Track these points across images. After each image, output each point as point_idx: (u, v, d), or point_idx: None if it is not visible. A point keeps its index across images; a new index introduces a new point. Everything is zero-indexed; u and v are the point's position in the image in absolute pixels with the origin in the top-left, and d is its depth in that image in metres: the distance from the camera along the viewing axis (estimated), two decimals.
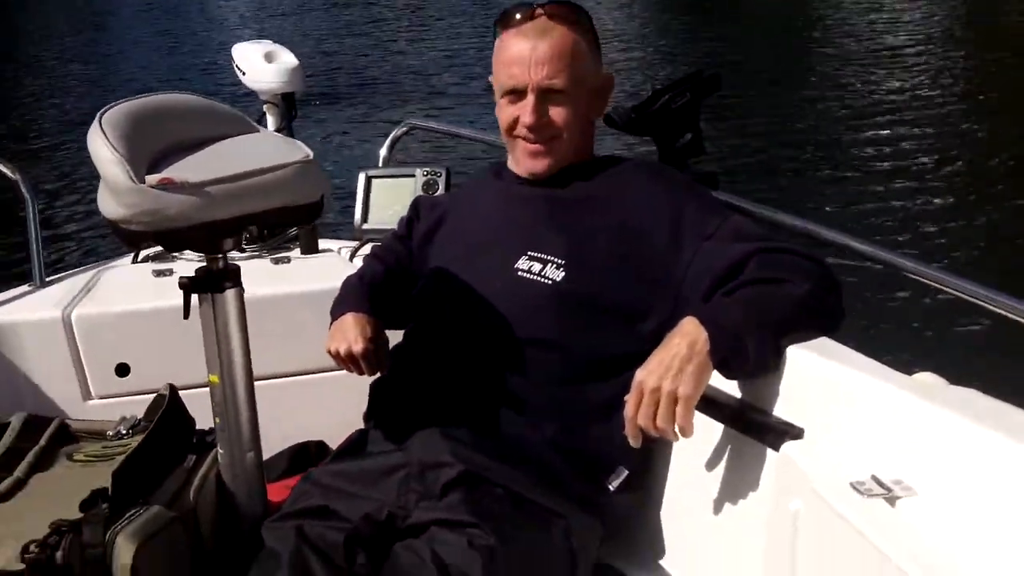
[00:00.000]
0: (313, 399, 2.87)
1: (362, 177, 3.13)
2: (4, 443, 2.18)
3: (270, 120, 3.57)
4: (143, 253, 3.18)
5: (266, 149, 1.90)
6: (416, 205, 2.58)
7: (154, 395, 2.62)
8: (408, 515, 1.92)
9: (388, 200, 3.07)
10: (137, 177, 1.66)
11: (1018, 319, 1.62)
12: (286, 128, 3.52)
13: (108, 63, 15.60)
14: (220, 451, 2.03)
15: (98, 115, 1.75)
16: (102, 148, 1.68)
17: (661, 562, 2.13)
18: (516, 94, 2.18)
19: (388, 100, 11.92)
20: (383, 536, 1.91)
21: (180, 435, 2.16)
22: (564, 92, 2.15)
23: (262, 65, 3.44)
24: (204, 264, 1.91)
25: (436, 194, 3.01)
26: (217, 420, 2.01)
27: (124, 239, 1.74)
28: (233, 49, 3.61)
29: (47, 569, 1.70)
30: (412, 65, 13.60)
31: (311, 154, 1.86)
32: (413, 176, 3.08)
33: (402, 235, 2.54)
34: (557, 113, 2.16)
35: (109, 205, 1.70)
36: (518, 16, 2.18)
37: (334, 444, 2.76)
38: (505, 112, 2.22)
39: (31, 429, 2.24)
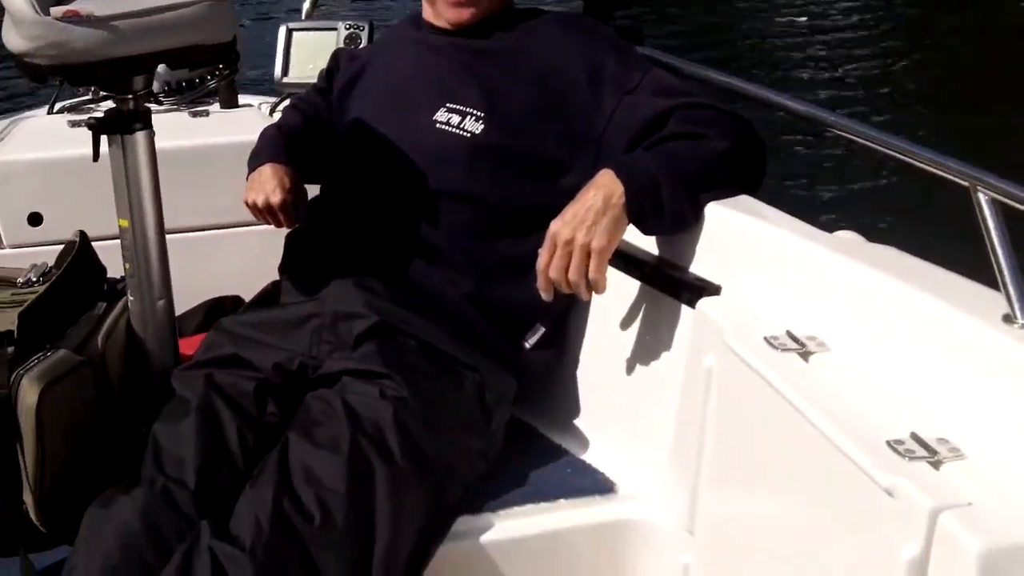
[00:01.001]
0: (230, 253, 2.83)
1: (283, 30, 3.04)
2: None
3: None
4: (59, 104, 3.09)
5: None
6: (336, 56, 2.53)
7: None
8: (319, 365, 1.91)
9: (309, 54, 2.99)
10: (42, 8, 1.59)
11: (940, 173, 1.62)
12: None
13: None
14: (130, 298, 1.98)
15: None
16: None
17: (576, 421, 2.14)
18: None
19: None
20: (294, 386, 1.90)
21: (90, 282, 2.10)
22: None
23: None
24: (114, 107, 1.85)
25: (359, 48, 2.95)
26: (127, 266, 1.96)
27: (28, 73, 1.67)
28: None
29: None
30: None
31: None
32: (335, 30, 2.99)
33: (322, 87, 2.49)
34: None
35: (13, 38, 1.63)
36: None
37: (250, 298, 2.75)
38: None
39: None
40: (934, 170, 1.61)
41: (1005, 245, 1.44)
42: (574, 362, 2.16)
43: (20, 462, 1.73)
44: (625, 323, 2.02)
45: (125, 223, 1.92)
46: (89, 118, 1.86)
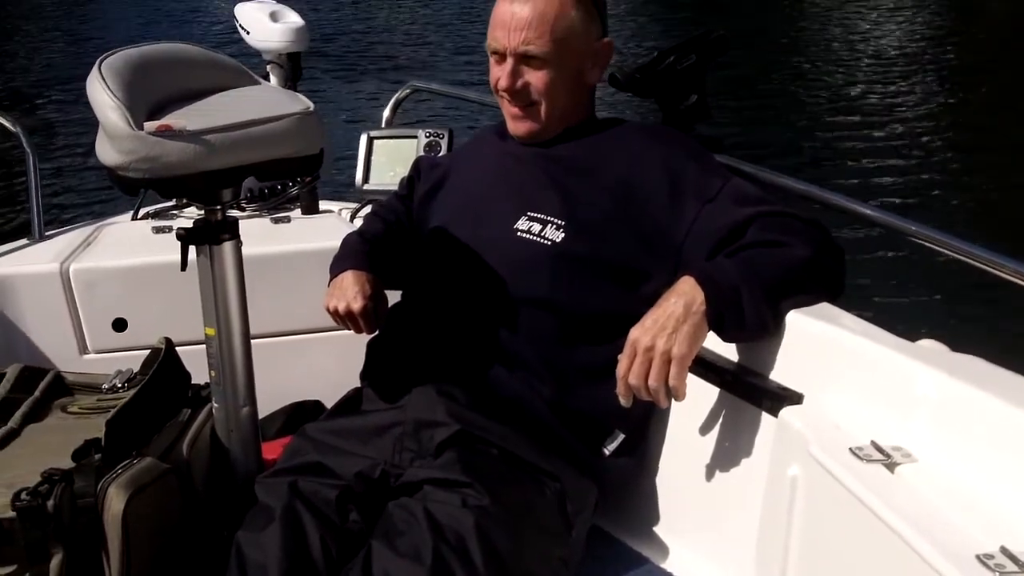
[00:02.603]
0: (310, 358, 2.86)
1: (364, 138, 3.11)
2: None
3: (274, 80, 3.54)
4: (143, 210, 3.17)
5: (266, 100, 1.89)
6: (417, 165, 2.58)
7: (150, 350, 2.63)
8: (402, 473, 1.91)
9: (390, 161, 3.06)
10: (135, 123, 1.65)
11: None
12: (292, 87, 3.50)
13: (107, 20, 15.43)
14: (215, 405, 2.02)
15: (98, 61, 1.74)
16: (100, 93, 1.66)
17: (656, 528, 2.12)
18: (499, 55, 2.18)
19: (391, 62, 11.86)
20: (376, 494, 1.91)
21: (175, 388, 2.15)
22: (542, 58, 2.13)
23: (267, 24, 3.41)
24: (202, 215, 1.90)
25: (439, 156, 3.00)
26: (212, 374, 2.00)
27: (121, 186, 1.72)
28: (236, 8, 3.58)
29: (38, 517, 1.69)
30: (416, 28, 13.50)
31: (311, 106, 1.85)
32: (415, 137, 3.06)
33: (403, 194, 2.53)
34: (535, 78, 2.15)
35: (107, 151, 1.68)
36: None
37: (331, 403, 2.75)
38: (492, 72, 2.22)
39: (26, 380, 2.24)
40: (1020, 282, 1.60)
41: None
42: (654, 468, 2.15)
43: (105, 569, 1.75)
44: (704, 429, 2.00)
45: (212, 331, 1.96)
46: (178, 229, 1.90)
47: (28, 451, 1.96)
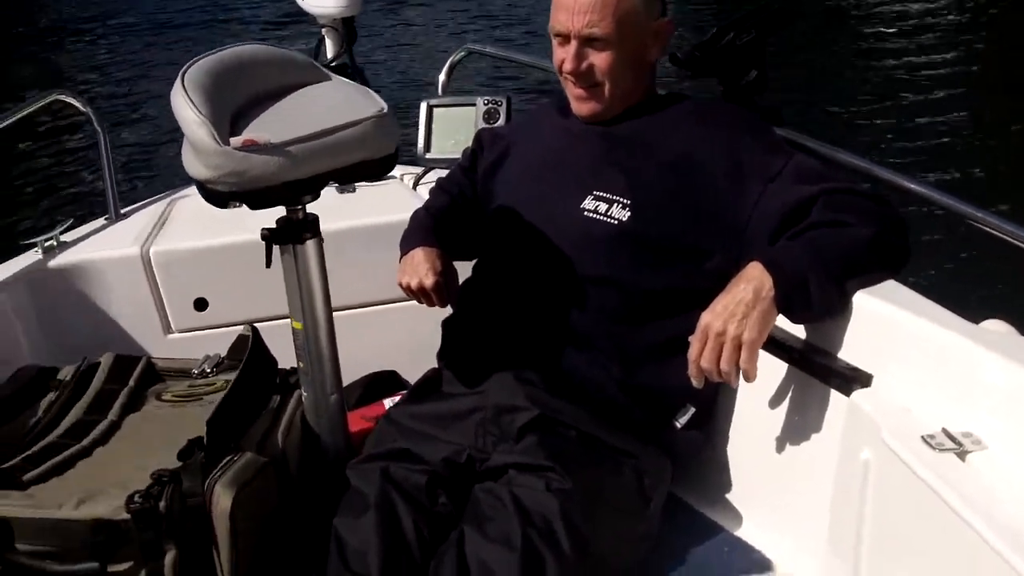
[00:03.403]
0: (383, 330, 2.94)
1: (424, 106, 3.16)
2: (95, 385, 2.27)
3: (329, 45, 3.58)
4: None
5: (341, 101, 1.94)
6: (479, 138, 2.62)
7: (232, 327, 2.73)
8: (487, 458, 2.00)
9: (450, 129, 3.11)
10: (222, 139, 1.70)
11: None
12: (346, 52, 3.55)
13: None
14: (304, 394, 2.11)
15: (180, 75, 1.79)
16: (186, 110, 1.72)
17: (729, 497, 2.20)
18: (562, 37, 2.21)
19: (446, 23, 11.74)
20: (463, 477, 1.99)
21: (264, 376, 2.23)
22: (606, 40, 2.16)
23: None
24: (284, 215, 1.97)
25: (498, 123, 3.04)
26: (301, 364, 2.08)
27: (209, 198, 1.79)
28: None
29: (151, 518, 1.79)
30: None
31: (385, 107, 1.90)
32: (474, 105, 3.10)
33: (466, 167, 2.59)
34: (600, 59, 2.18)
35: (195, 166, 1.74)
36: None
37: (405, 373, 2.86)
38: (555, 54, 2.25)
39: (120, 369, 2.33)
40: None
41: None
42: (724, 440, 2.22)
43: (216, 563, 1.84)
44: (773, 403, 2.07)
45: (299, 325, 2.04)
46: (263, 229, 1.96)
47: (131, 445, 2.07)
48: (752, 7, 2.43)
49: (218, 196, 1.77)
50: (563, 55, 2.20)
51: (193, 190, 3.26)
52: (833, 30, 10.13)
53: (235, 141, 1.72)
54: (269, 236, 1.98)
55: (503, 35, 11.22)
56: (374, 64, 9.06)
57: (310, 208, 1.99)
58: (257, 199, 1.80)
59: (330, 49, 3.58)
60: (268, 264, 1.99)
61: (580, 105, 2.26)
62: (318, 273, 2.01)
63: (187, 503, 1.81)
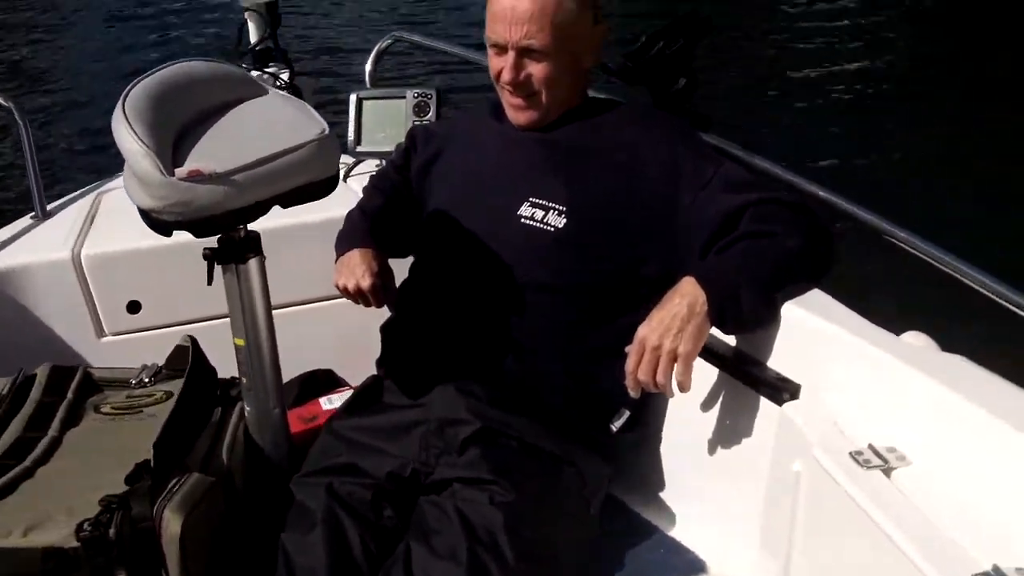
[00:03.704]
0: (318, 327, 2.96)
1: (353, 98, 3.16)
2: (32, 399, 2.25)
3: (252, 29, 3.57)
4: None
5: (282, 122, 1.95)
6: (412, 135, 2.64)
7: (165, 329, 2.74)
8: (431, 471, 2.04)
9: (379, 121, 3.12)
10: (166, 169, 1.71)
11: (999, 300, 1.74)
12: (270, 37, 3.54)
13: None
14: (248, 409, 2.13)
15: (120, 101, 1.79)
16: (130, 141, 1.72)
17: (665, 497, 2.28)
18: (499, 48, 2.23)
19: (371, 12, 11.59)
20: (408, 490, 2.04)
21: (205, 389, 2.25)
22: (543, 51, 2.19)
23: None
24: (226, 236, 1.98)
25: (428, 117, 3.06)
26: (244, 380, 2.10)
27: (154, 227, 1.79)
28: None
29: (101, 545, 1.80)
30: None
31: (326, 128, 1.91)
32: (403, 98, 3.11)
33: (399, 165, 2.61)
34: (537, 69, 2.21)
35: (140, 196, 1.75)
36: None
37: (341, 371, 2.89)
38: (492, 63, 2.27)
39: (56, 381, 2.31)
40: (1002, 302, 1.72)
41: None
42: (659, 440, 2.30)
43: None
44: (706, 408, 2.15)
45: (241, 341, 2.06)
46: (205, 249, 1.98)
47: (74, 464, 2.06)
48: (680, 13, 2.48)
49: (163, 225, 1.77)
50: (500, 65, 2.23)
51: (119, 184, 3.26)
52: (757, 34, 10.20)
53: (180, 172, 1.72)
54: (211, 255, 1.99)
55: (433, 21, 11.13)
56: (298, 50, 8.95)
57: (251, 225, 1.99)
58: (202, 227, 1.81)
59: (253, 34, 3.58)
60: (209, 282, 2.01)
61: (517, 114, 2.29)
62: (260, 291, 2.03)
63: (136, 528, 1.83)
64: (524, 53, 2.20)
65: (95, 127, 8.06)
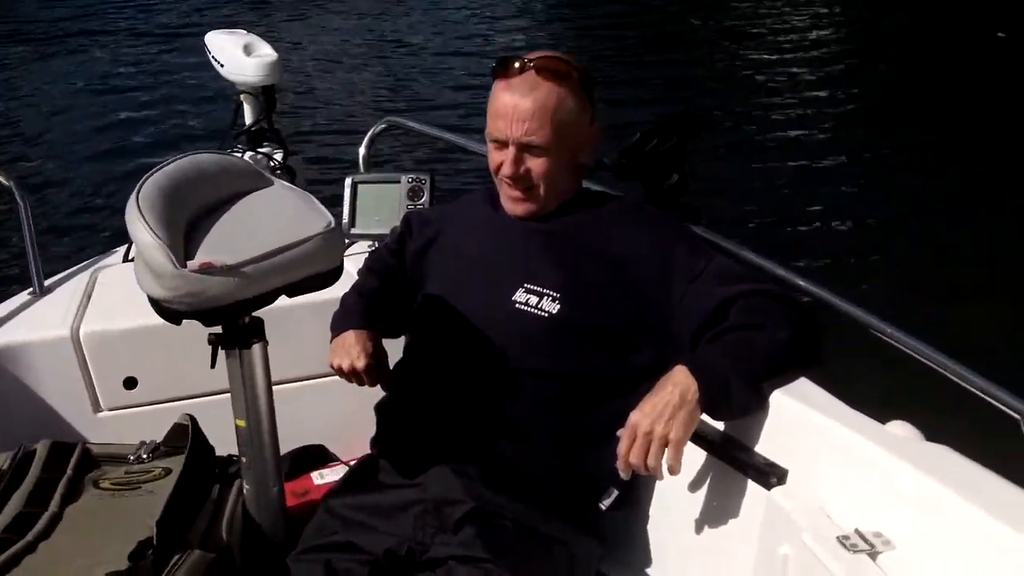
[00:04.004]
0: (311, 404, 3.00)
1: (348, 182, 3.24)
2: (33, 474, 2.29)
3: (248, 111, 3.65)
4: (133, 251, 3.28)
5: (289, 215, 2.02)
6: (408, 220, 2.71)
7: (161, 404, 2.78)
8: (426, 550, 2.10)
9: (374, 205, 3.20)
10: (179, 261, 1.78)
11: (980, 394, 1.82)
12: (265, 119, 3.62)
13: (78, 49, 14.76)
14: (247, 487, 2.18)
15: (134, 195, 1.85)
16: (144, 233, 1.79)
17: (649, 571, 2.34)
18: (500, 143, 2.32)
19: (365, 96, 11.73)
20: (403, 569, 2.09)
21: (205, 467, 2.30)
22: (543, 147, 2.28)
23: (241, 58, 3.49)
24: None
25: (421, 201, 3.15)
26: (244, 459, 2.16)
27: (165, 315, 1.85)
28: (207, 38, 3.66)
29: None
30: (391, 62, 13.28)
31: (332, 221, 1.99)
32: (398, 183, 3.20)
33: (395, 248, 2.67)
34: (536, 164, 2.30)
35: (152, 286, 1.81)
36: (510, 68, 2.29)
37: (333, 447, 2.95)
38: (492, 157, 2.36)
39: (56, 457, 2.35)
40: (984, 396, 1.80)
41: None
42: (647, 520, 2.36)
43: None
44: (694, 489, 2.21)
45: (242, 423, 2.12)
46: (210, 334, 2.04)
47: (76, 540, 2.10)
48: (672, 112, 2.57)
49: (174, 314, 1.84)
50: (501, 159, 2.32)
51: (115, 260, 3.33)
52: (746, 127, 10.37)
53: (192, 264, 1.79)
54: (216, 341, 2.05)
55: (429, 102, 11.28)
56: (293, 131, 9.05)
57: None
58: (211, 317, 1.88)
59: (248, 116, 3.65)
60: (213, 366, 2.07)
61: (515, 206, 2.37)
62: (262, 374, 2.09)
63: None
64: (524, 149, 2.28)
65: (90, 203, 8.13)
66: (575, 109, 2.29)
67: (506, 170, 2.30)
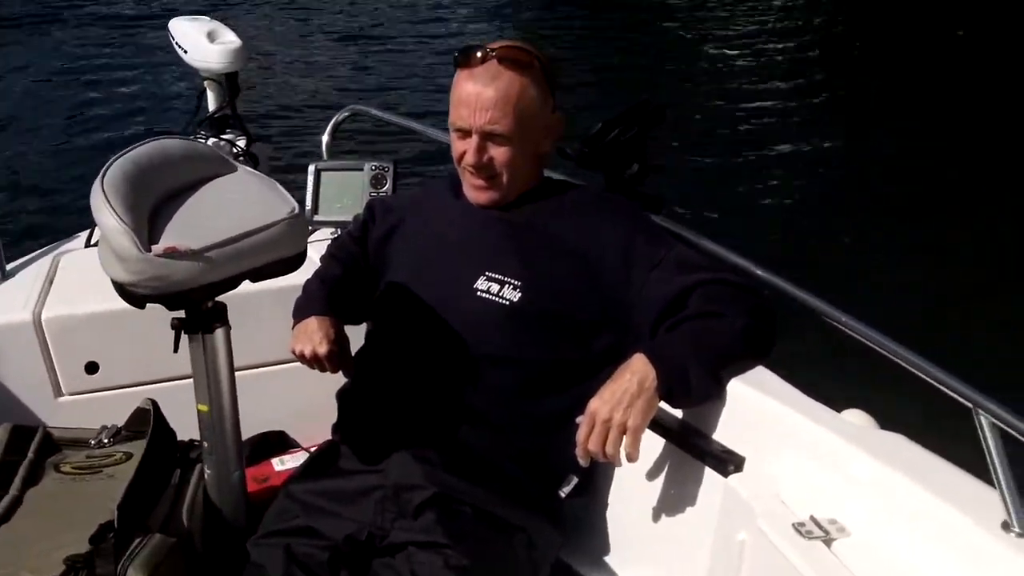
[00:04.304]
0: (271, 390, 3.00)
1: (312, 169, 3.25)
2: None
3: (211, 98, 3.64)
4: (96, 236, 3.27)
5: (254, 200, 2.03)
6: (371, 207, 2.72)
7: (122, 389, 2.78)
8: (386, 535, 2.11)
9: (337, 192, 3.21)
10: (143, 246, 1.78)
11: (934, 383, 1.86)
12: (229, 106, 3.61)
13: (38, 35, 14.55)
14: (208, 472, 2.19)
15: (99, 179, 1.85)
16: (109, 218, 1.79)
17: (611, 563, 2.36)
18: (463, 131, 2.33)
19: (329, 83, 11.67)
20: (364, 554, 2.11)
21: (166, 452, 2.30)
22: (506, 135, 2.29)
23: (204, 44, 3.48)
24: None
25: (384, 189, 3.16)
26: (205, 444, 2.16)
27: (129, 299, 1.86)
28: (171, 24, 3.65)
29: None
30: (354, 50, 13.21)
31: (296, 207, 1.99)
32: (361, 170, 3.21)
33: (357, 236, 2.68)
34: (499, 153, 2.31)
35: (116, 270, 1.81)
36: (472, 58, 2.31)
37: (293, 434, 2.95)
38: (455, 146, 2.37)
39: (17, 440, 2.36)
40: (938, 386, 1.83)
41: (1004, 464, 1.66)
42: (607, 507, 2.39)
43: None
44: (652, 477, 2.24)
45: (204, 408, 2.12)
46: (173, 319, 2.04)
47: (36, 523, 2.11)
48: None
49: (138, 298, 1.84)
50: (464, 148, 2.33)
51: (76, 245, 3.31)
52: (707, 117, 10.43)
53: (157, 248, 1.79)
54: (179, 325, 2.06)
55: (394, 90, 11.23)
56: (257, 118, 9.01)
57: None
58: (176, 301, 1.89)
59: (212, 102, 3.64)
60: (176, 350, 2.07)
61: (478, 194, 2.38)
62: (225, 359, 2.10)
63: None
64: (487, 137, 2.30)
65: (52, 189, 8.07)
66: (537, 98, 2.31)
67: (469, 159, 2.32)
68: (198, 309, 2.05)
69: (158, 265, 1.79)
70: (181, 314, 2.06)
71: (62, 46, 13.50)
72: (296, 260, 2.01)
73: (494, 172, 2.33)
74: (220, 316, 2.08)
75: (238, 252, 1.88)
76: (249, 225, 1.91)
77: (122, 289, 1.85)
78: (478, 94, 2.27)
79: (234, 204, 2.03)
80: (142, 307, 1.87)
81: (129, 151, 2.00)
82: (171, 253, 1.80)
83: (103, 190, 1.83)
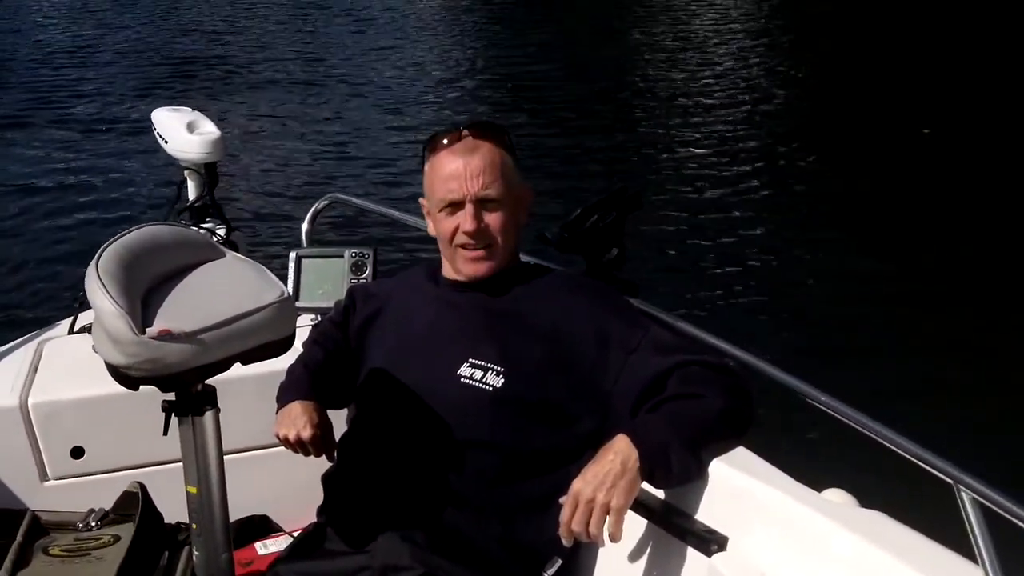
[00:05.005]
0: (256, 474, 3.01)
1: (293, 256, 3.30)
2: None
3: (191, 187, 3.70)
4: (79, 323, 3.30)
5: (244, 285, 2.06)
6: (352, 294, 2.77)
7: (108, 474, 2.80)
8: None
9: (318, 279, 3.26)
10: (138, 329, 1.81)
11: (915, 460, 1.90)
12: (208, 195, 3.66)
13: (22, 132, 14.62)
14: (196, 553, 2.19)
15: (94, 263, 1.89)
16: (104, 301, 1.82)
17: None
18: (455, 206, 2.39)
19: (307, 171, 11.78)
20: None
21: (155, 535, 2.32)
22: (498, 200, 2.37)
23: (184, 135, 3.54)
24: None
25: (365, 275, 3.21)
26: (194, 526, 2.17)
27: (122, 381, 1.88)
28: (153, 115, 3.72)
29: None
30: (333, 139, 13.37)
31: (286, 291, 2.04)
32: (342, 257, 3.26)
33: (339, 321, 2.72)
34: (493, 219, 2.38)
35: (111, 352, 1.84)
36: (446, 140, 2.41)
37: (276, 517, 2.96)
38: (445, 224, 2.42)
39: (5, 524, 2.38)
40: (918, 463, 1.88)
41: (986, 540, 1.70)
42: None
43: None
44: (634, 558, 2.25)
45: (193, 490, 2.13)
46: (164, 401, 2.07)
47: None
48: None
49: (131, 380, 1.87)
50: (456, 222, 2.39)
51: (59, 332, 3.34)
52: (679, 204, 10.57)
53: (151, 331, 1.83)
54: (169, 408, 2.08)
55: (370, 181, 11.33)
56: (237, 207, 9.06)
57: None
58: (169, 383, 1.92)
59: (192, 191, 3.70)
60: (165, 432, 2.09)
61: (477, 266, 2.43)
62: (214, 441, 2.12)
63: None
64: (481, 205, 2.37)
65: (32, 277, 8.04)
66: (512, 166, 2.42)
67: (467, 226, 2.37)
68: (189, 392, 2.08)
69: (153, 348, 1.82)
70: (171, 397, 2.09)
71: (42, 139, 13.50)
72: (285, 343, 2.04)
73: (491, 240, 2.39)
74: (210, 399, 2.10)
75: (230, 335, 1.91)
76: (240, 308, 1.94)
77: (116, 371, 1.88)
78: (466, 164, 2.35)
79: (224, 288, 2.07)
80: (135, 389, 1.89)
81: (121, 236, 2.04)
82: (165, 336, 1.83)
83: (98, 274, 1.87)
